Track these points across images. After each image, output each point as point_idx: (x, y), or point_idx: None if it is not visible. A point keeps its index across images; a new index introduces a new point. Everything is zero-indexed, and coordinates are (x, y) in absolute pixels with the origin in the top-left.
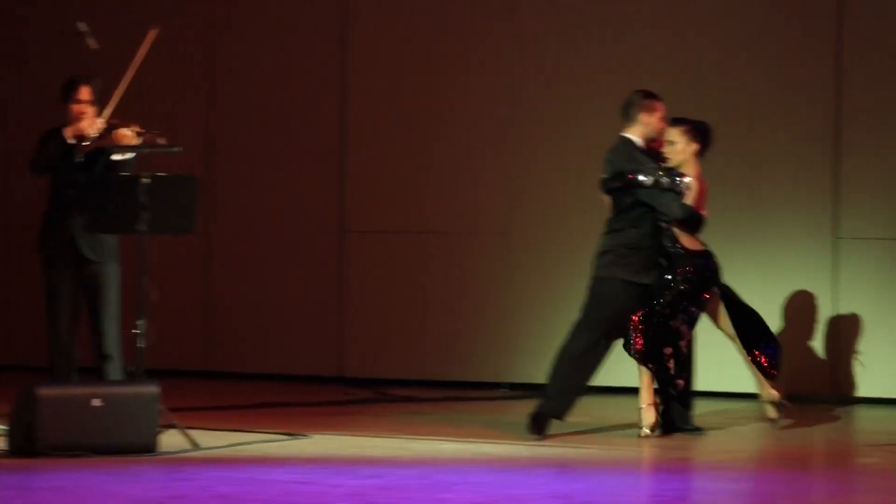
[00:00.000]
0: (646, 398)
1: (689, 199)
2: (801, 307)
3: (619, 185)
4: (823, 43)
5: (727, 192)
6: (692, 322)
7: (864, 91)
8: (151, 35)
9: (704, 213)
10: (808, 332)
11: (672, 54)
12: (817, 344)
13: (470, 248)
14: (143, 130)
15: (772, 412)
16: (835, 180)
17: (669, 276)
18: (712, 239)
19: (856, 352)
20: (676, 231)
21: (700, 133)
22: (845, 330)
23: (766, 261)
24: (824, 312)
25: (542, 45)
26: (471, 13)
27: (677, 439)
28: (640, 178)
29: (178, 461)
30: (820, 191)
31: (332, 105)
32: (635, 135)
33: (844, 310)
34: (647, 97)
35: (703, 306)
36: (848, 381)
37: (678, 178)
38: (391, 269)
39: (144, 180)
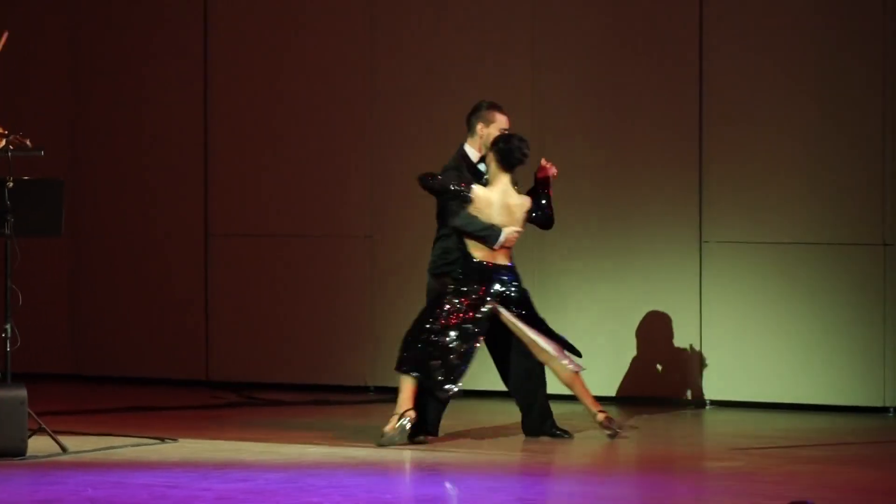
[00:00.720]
0: (402, 405)
1: (484, 213)
2: (668, 311)
3: (423, 187)
4: (688, 48)
5: (595, 195)
6: (467, 336)
7: (723, 94)
8: (4, 37)
9: (513, 228)
10: (675, 337)
11: (541, 57)
12: (684, 347)
13: (334, 251)
14: (6, 132)
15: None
16: (700, 185)
17: (451, 287)
18: (579, 244)
19: (700, 354)
20: (470, 242)
21: (497, 150)
22: (710, 334)
23: (634, 265)
24: (690, 316)
25: (404, 49)
26: (329, 15)
27: (545, 443)
28: (432, 182)
29: (46, 465)
30: (686, 195)
31: (196, 108)
32: (472, 145)
33: (708, 313)
34: (489, 108)
35: (479, 322)
36: (715, 385)
37: (461, 187)
38: (256, 272)
39: (9, 184)
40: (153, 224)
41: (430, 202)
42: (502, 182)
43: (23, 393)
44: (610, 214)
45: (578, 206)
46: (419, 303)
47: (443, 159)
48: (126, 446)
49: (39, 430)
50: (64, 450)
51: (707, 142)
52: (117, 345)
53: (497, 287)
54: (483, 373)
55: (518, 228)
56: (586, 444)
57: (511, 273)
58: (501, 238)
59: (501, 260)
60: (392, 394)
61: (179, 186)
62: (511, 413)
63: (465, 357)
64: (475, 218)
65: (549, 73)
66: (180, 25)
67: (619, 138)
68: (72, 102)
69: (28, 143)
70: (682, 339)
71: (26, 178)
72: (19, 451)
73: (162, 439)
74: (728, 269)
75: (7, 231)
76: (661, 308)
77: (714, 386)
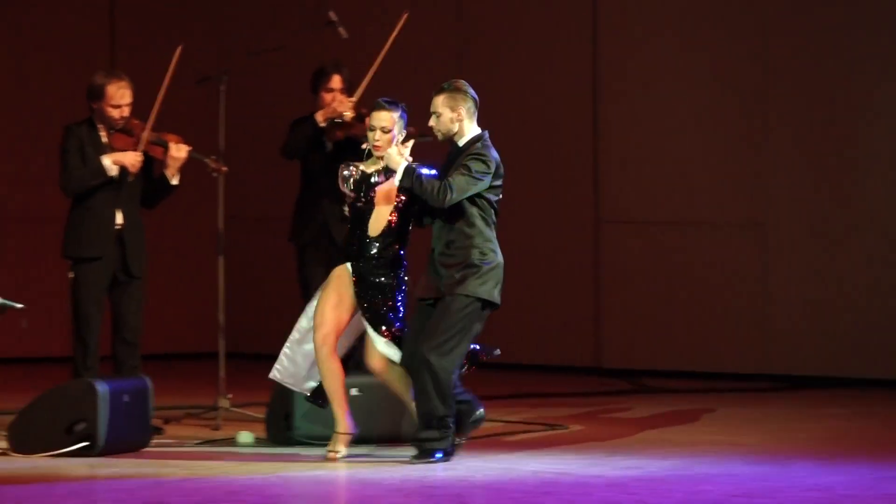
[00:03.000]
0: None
1: None
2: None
3: None
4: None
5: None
6: None
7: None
8: (402, 19)
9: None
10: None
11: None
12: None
13: (725, 238)
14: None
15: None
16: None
17: None
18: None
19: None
20: None
21: None
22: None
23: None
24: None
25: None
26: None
27: None
28: None
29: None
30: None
31: (586, 93)
32: None
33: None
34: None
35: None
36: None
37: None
38: (646, 259)
39: None
40: (542, 210)
41: (824, 188)
42: None
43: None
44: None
45: None
46: (812, 290)
47: None
48: (515, 433)
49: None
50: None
51: None
52: (508, 332)
53: None
54: None
55: None
56: None
57: None
58: None
59: None
60: (780, 382)
61: (568, 173)
62: None
63: None
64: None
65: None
66: (570, 5)
67: None
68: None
69: (412, 129)
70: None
71: None
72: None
73: (552, 426)
74: None
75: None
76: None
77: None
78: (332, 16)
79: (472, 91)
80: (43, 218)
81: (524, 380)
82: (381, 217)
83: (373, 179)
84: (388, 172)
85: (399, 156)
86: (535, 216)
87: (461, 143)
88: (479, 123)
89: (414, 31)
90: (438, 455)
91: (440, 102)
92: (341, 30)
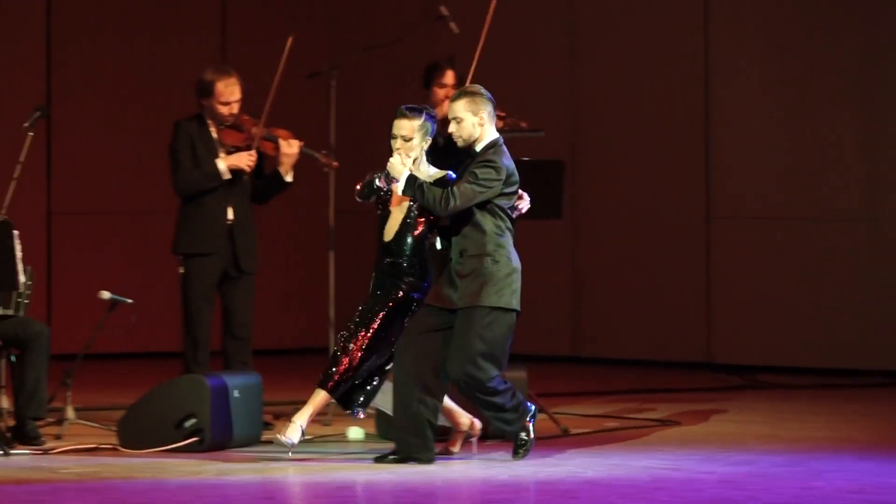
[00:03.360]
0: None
1: None
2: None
3: None
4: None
5: None
6: None
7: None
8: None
9: None
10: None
11: None
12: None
13: (834, 233)
14: (505, 114)
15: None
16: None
17: None
18: None
19: None
20: None
21: None
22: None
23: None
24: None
25: None
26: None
27: None
28: None
29: (546, 446)
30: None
31: (697, 88)
32: None
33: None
34: None
35: None
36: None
37: None
38: (758, 255)
39: None
40: (653, 205)
41: None
42: None
43: (523, 375)
44: None
45: None
46: None
47: None
48: (626, 428)
49: (539, 412)
50: (564, 431)
51: None
52: (616, 327)
53: None
54: None
55: None
56: None
57: None
58: None
59: None
60: (893, 377)
61: (680, 168)
62: None
63: None
64: None
65: None
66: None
67: None
68: (567, 82)
69: (523, 124)
70: None
71: (525, 158)
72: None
73: (663, 422)
74: None
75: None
76: None
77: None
78: (444, 10)
79: (488, 93)
80: (153, 212)
81: (637, 376)
82: (393, 222)
83: (374, 185)
84: (388, 178)
85: (402, 165)
86: (648, 213)
87: (479, 147)
88: (590, 120)
89: (524, 24)
90: (531, 421)
91: (461, 107)
92: (452, 25)
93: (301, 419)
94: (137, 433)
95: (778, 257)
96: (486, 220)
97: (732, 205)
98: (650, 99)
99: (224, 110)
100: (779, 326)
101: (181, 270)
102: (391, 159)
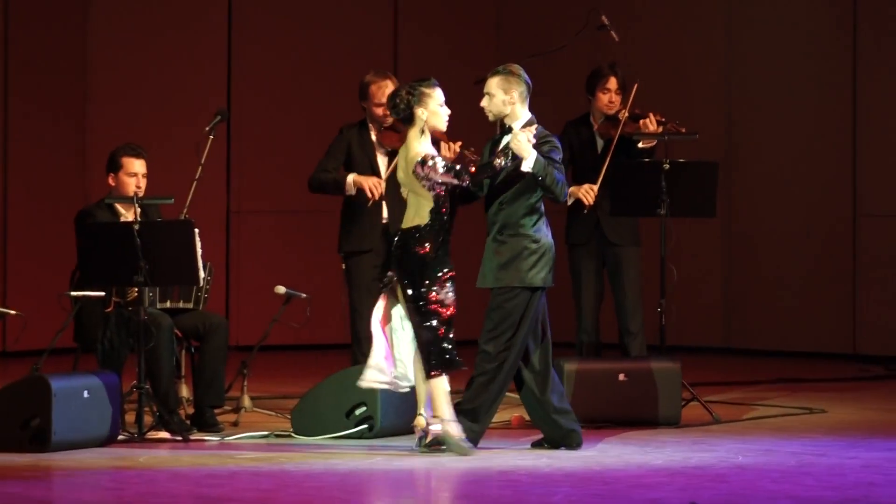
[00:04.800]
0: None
1: None
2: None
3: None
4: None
5: None
6: None
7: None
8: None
9: None
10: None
11: None
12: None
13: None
14: (663, 119)
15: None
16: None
17: None
18: None
19: None
20: None
21: None
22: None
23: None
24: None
25: None
26: None
27: None
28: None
29: (699, 433)
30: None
31: (846, 99)
32: None
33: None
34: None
35: None
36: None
37: None
38: None
39: (665, 166)
40: (802, 203)
41: None
42: None
43: (677, 365)
44: None
45: None
46: None
47: None
48: (775, 416)
49: (692, 401)
50: (716, 419)
51: None
52: (767, 319)
53: None
54: None
55: None
56: None
57: None
58: None
59: None
60: None
61: (828, 166)
62: None
63: None
64: None
65: None
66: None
67: None
68: (725, 88)
69: (682, 129)
70: None
71: (681, 160)
72: (674, 420)
73: (810, 409)
74: None
75: (663, 211)
76: None
77: None
78: (605, 19)
79: (525, 76)
80: (324, 211)
81: (785, 366)
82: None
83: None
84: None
85: (528, 142)
86: (797, 211)
87: (515, 125)
88: (746, 114)
89: (682, 33)
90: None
91: (494, 84)
92: (613, 33)
93: (450, 413)
94: (310, 421)
95: None
96: (525, 198)
97: (878, 201)
98: (799, 100)
99: (379, 112)
100: None
101: (343, 268)
102: (519, 137)
